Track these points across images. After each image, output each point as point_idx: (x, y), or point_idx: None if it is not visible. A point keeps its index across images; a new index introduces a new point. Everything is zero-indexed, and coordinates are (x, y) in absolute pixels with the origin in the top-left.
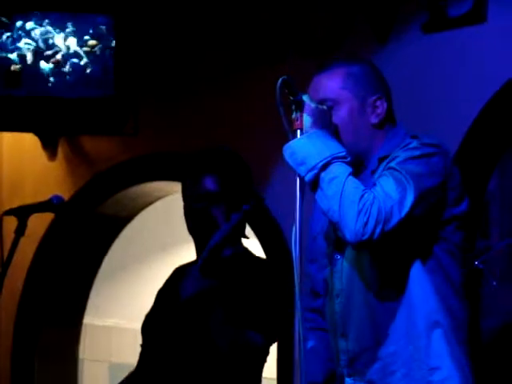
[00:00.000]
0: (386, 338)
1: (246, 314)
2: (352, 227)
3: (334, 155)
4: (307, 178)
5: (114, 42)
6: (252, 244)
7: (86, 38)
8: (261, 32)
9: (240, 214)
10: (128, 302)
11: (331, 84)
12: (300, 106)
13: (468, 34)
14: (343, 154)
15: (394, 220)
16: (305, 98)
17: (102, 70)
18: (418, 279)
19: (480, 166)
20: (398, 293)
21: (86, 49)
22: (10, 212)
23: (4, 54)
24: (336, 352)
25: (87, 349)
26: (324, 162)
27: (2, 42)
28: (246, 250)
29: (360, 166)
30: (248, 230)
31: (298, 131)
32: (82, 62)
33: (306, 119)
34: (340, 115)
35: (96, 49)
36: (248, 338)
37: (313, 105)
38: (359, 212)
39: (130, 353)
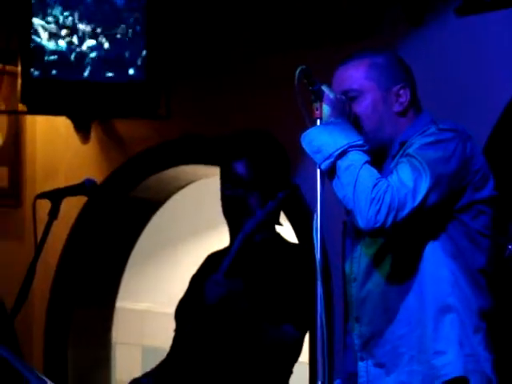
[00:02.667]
0: (396, 321)
1: (278, 304)
2: (365, 215)
3: (350, 144)
4: (323, 166)
5: (147, 25)
6: (285, 230)
7: (118, 21)
8: (294, 17)
9: (275, 201)
10: (160, 286)
11: (355, 74)
12: (319, 96)
13: (502, 16)
14: (360, 142)
15: (408, 208)
16: (324, 87)
17: (135, 54)
18: (433, 264)
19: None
20: (411, 277)
21: (118, 32)
22: (43, 195)
23: (38, 38)
24: (351, 336)
25: (120, 332)
26: (340, 150)
27: (36, 25)
28: (277, 235)
29: (384, 154)
30: (282, 216)
31: (318, 120)
32: (114, 46)
33: (325, 109)
34: (364, 105)
35: (129, 32)
36: (283, 333)
37: (332, 95)
38: (372, 200)
39: (162, 337)
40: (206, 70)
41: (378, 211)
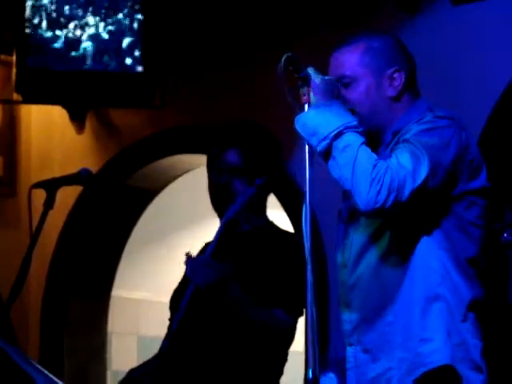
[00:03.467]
0: (385, 308)
1: (269, 290)
2: (365, 195)
3: (345, 125)
4: (320, 147)
5: (142, 15)
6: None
7: (115, 12)
8: (289, 5)
9: (254, 187)
10: (156, 275)
11: (349, 60)
12: (306, 81)
13: (496, 5)
14: (355, 123)
15: (408, 189)
16: (310, 71)
17: (130, 43)
18: (423, 253)
19: (508, 140)
20: (402, 265)
21: (114, 22)
22: (38, 185)
23: (33, 28)
24: (341, 322)
25: (115, 322)
26: (336, 131)
27: (31, 16)
28: (269, 223)
29: (377, 141)
30: (277, 204)
31: (306, 105)
32: (110, 36)
33: (314, 92)
34: (357, 92)
35: (124, 22)
36: (274, 317)
37: (319, 77)
38: (372, 180)
39: (158, 326)
40: (201, 61)
41: (379, 192)
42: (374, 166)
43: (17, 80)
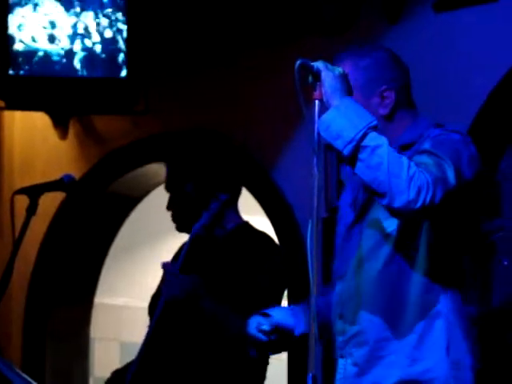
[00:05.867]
0: (380, 323)
1: (243, 295)
2: (405, 195)
3: (368, 125)
4: (346, 151)
5: (126, 20)
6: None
7: (97, 17)
8: (272, 11)
9: (218, 203)
10: (139, 281)
11: None
12: (317, 77)
13: (479, 12)
14: (376, 122)
15: (440, 192)
16: (320, 65)
17: (113, 49)
18: (424, 271)
19: (492, 145)
20: (401, 281)
21: (97, 28)
22: (21, 191)
23: (14, 33)
24: (333, 333)
25: (98, 328)
26: (361, 133)
27: (12, 20)
28: (243, 225)
29: None
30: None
31: (317, 102)
32: (92, 42)
33: (325, 86)
34: None
35: (107, 28)
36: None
37: (330, 72)
38: (411, 179)
39: (140, 332)
40: (185, 66)
41: (419, 191)
42: (409, 165)
43: (0, 86)
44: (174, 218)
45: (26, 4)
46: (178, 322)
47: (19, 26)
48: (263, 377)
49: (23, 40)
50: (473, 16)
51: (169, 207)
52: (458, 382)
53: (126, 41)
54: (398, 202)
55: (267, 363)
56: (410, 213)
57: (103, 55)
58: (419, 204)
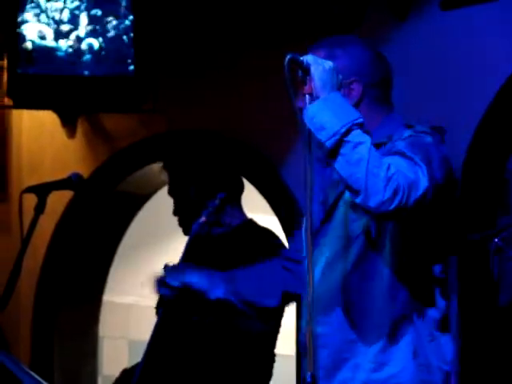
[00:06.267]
0: (348, 324)
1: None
2: (380, 195)
3: (353, 121)
4: (329, 143)
5: (133, 18)
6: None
7: (105, 14)
8: (280, 10)
9: (215, 202)
10: (147, 280)
11: None
12: (306, 71)
13: (486, 10)
14: (361, 120)
15: (418, 193)
16: (309, 59)
17: (122, 48)
18: (394, 275)
19: (499, 145)
20: (370, 283)
21: (105, 26)
22: (29, 189)
23: (23, 32)
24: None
25: (106, 326)
26: (345, 128)
27: (21, 18)
28: (247, 222)
29: None
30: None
31: (307, 96)
32: (100, 40)
33: (314, 80)
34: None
35: (115, 26)
36: (246, 324)
37: (319, 66)
38: (389, 180)
39: (149, 330)
40: (193, 65)
41: (396, 192)
42: (388, 166)
43: (8, 85)
44: (181, 223)
45: (35, 3)
46: (184, 319)
47: (28, 25)
48: (270, 374)
49: (31, 39)
50: (479, 14)
51: (175, 213)
52: None
53: (133, 39)
54: (373, 202)
55: (273, 360)
56: (383, 213)
57: (111, 53)
58: (393, 205)
